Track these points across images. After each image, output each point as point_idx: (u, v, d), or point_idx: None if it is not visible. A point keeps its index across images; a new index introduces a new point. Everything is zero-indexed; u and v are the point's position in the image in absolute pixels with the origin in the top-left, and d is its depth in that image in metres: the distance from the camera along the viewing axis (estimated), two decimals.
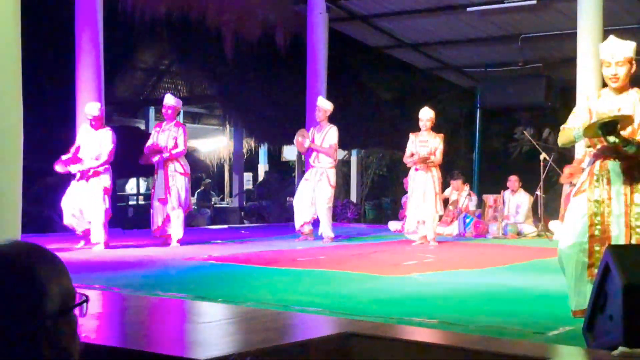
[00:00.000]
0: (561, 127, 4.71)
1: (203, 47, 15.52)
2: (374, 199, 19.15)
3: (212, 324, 3.90)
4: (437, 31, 14.61)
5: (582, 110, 4.67)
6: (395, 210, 15.15)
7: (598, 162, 4.47)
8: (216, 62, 15.77)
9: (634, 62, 4.57)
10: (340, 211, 15.91)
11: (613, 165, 4.41)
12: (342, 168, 21.36)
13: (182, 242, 9.27)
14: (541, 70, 14.57)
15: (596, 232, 4.37)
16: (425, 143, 9.81)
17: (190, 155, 18.68)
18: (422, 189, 9.72)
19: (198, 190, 18.28)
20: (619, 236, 4.33)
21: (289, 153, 20.85)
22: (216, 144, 21.09)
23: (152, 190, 9.58)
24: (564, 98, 13.94)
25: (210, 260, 7.78)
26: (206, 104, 19.50)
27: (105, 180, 8.82)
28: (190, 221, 15.09)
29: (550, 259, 8.28)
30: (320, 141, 10.06)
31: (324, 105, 10.26)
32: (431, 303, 5.27)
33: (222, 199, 20.62)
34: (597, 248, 4.33)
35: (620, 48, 4.55)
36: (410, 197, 9.94)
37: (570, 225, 4.48)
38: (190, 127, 17.34)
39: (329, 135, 10.04)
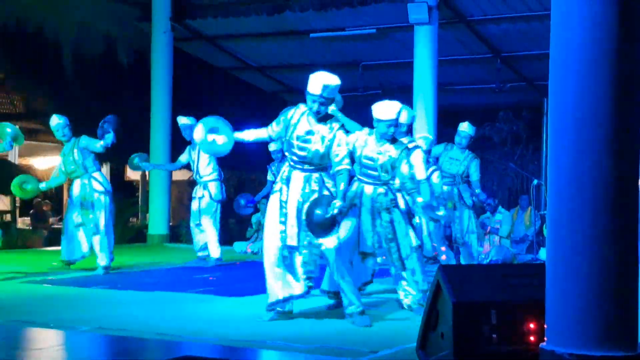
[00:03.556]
0: None
1: (41, 60, 14.89)
2: (221, 220, 19.00)
3: (42, 351, 3.72)
4: (282, 55, 14.83)
5: None
6: (242, 231, 15.10)
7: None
8: (55, 76, 15.17)
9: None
10: (187, 231, 15.69)
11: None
12: (188, 188, 21.05)
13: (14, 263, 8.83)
14: (380, 96, 15.10)
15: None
16: None
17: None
18: None
19: (31, 212, 17.55)
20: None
21: (133, 172, 20.36)
22: (54, 162, 20.21)
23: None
24: None
25: (45, 284, 7.43)
26: (44, 119, 18.70)
27: None
28: (24, 242, 14.38)
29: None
30: None
31: None
32: (276, 323, 5.29)
33: (61, 220, 19.78)
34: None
35: None
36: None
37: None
38: (27, 144, 16.56)
39: None
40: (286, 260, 5.27)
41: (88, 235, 8.41)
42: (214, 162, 9.39)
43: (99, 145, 8.39)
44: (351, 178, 5.68)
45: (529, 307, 3.59)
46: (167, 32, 13.38)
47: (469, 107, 15.75)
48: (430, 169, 7.72)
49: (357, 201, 5.76)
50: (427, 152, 7.73)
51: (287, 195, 5.25)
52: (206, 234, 9.47)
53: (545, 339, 3.31)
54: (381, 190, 5.80)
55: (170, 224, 14.62)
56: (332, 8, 12.51)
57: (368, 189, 5.82)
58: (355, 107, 15.20)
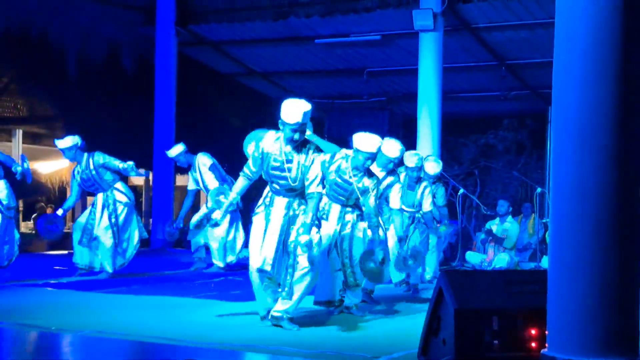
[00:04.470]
0: None
1: (45, 65, 14.94)
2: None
3: (45, 354, 3.72)
4: (287, 61, 14.84)
5: None
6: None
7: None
8: (59, 81, 15.21)
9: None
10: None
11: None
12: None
13: (17, 267, 8.84)
14: (385, 103, 15.13)
15: None
16: None
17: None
18: None
19: (33, 216, 17.55)
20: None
21: (137, 178, 20.39)
22: (57, 166, 20.28)
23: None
24: (406, 131, 14.54)
25: (48, 288, 7.44)
26: (47, 124, 18.75)
27: None
28: (27, 246, 14.37)
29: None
30: None
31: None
32: (278, 329, 5.28)
33: (64, 224, 19.79)
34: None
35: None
36: None
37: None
38: (31, 148, 16.59)
39: None
40: (264, 280, 5.38)
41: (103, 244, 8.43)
42: (217, 172, 9.37)
43: (118, 163, 8.38)
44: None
45: (531, 313, 3.59)
46: (172, 37, 13.43)
47: (473, 114, 15.76)
48: (423, 185, 7.76)
49: (324, 218, 5.99)
50: (418, 169, 7.74)
51: (269, 219, 5.36)
52: (213, 243, 9.51)
53: (546, 345, 3.30)
54: (348, 208, 6.08)
55: None
56: (337, 14, 12.55)
57: (335, 208, 6.09)
58: (359, 114, 15.31)
